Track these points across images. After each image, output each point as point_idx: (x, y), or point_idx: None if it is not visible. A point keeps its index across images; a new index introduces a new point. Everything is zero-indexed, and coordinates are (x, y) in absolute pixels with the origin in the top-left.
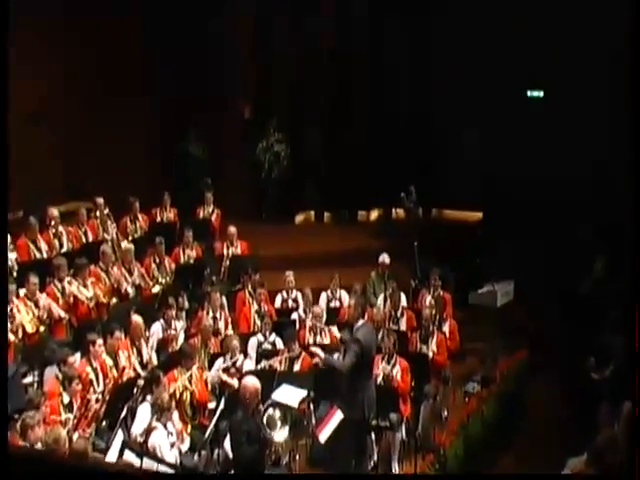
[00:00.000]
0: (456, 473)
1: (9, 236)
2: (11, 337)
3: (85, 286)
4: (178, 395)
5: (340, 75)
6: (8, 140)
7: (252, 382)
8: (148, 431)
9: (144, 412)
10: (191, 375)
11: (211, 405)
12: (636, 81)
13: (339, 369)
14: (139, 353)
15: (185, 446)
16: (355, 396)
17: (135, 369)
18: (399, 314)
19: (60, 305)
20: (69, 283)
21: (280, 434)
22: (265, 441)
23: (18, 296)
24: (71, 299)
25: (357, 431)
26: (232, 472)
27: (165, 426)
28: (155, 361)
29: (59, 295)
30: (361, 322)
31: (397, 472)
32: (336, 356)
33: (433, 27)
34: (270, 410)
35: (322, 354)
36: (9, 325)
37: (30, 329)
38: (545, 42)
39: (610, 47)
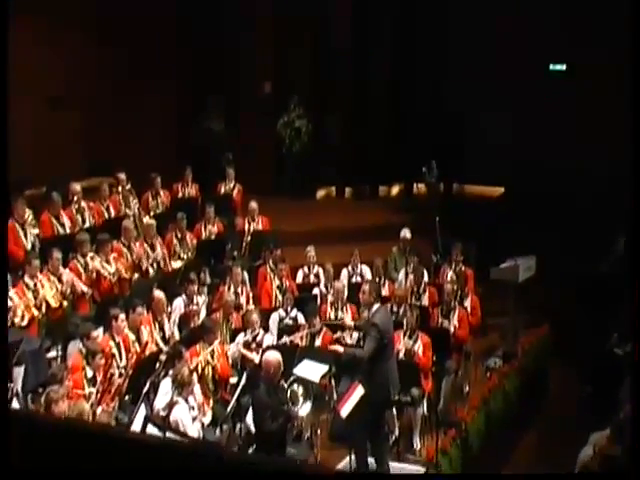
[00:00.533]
0: (477, 448)
1: (32, 212)
2: (35, 312)
3: (107, 261)
4: (200, 370)
5: (361, 51)
6: (30, 121)
7: (275, 356)
8: (170, 406)
9: (166, 387)
10: (213, 350)
11: (233, 380)
12: None
13: (360, 358)
14: (161, 328)
15: (207, 420)
16: (378, 375)
17: (157, 344)
18: (422, 290)
19: (83, 280)
20: (92, 259)
21: (303, 409)
22: (288, 416)
23: (42, 271)
24: (94, 274)
25: (379, 408)
26: (254, 447)
27: (187, 400)
28: (177, 336)
29: (82, 270)
30: (377, 306)
31: (418, 447)
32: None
33: (451, 3)
34: (294, 386)
35: (341, 349)
36: (33, 300)
37: (53, 304)
38: (567, 16)
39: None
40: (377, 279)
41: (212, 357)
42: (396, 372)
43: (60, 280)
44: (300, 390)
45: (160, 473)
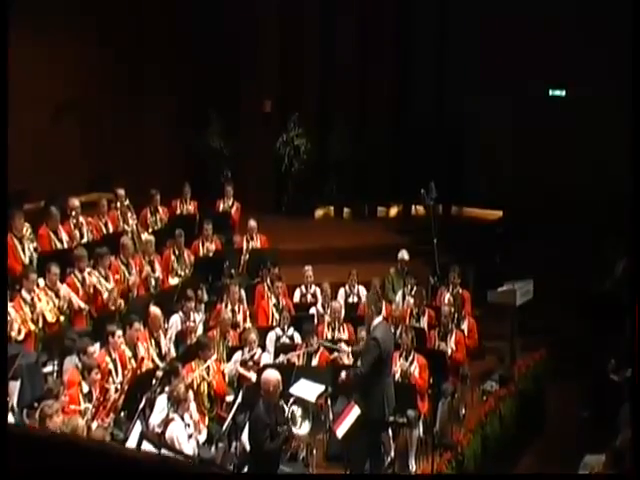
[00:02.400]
0: (473, 471)
1: (30, 226)
2: (32, 326)
3: (105, 277)
4: (196, 387)
5: (360, 71)
6: (30, 136)
7: (274, 375)
8: (166, 422)
9: (162, 403)
10: (209, 367)
11: (229, 398)
12: None
13: (359, 374)
14: (157, 344)
15: (202, 438)
16: (374, 394)
17: (153, 360)
18: (420, 311)
19: (80, 296)
20: (89, 274)
21: (302, 429)
22: (287, 436)
23: (39, 286)
24: (91, 290)
25: (375, 428)
26: (249, 466)
27: (182, 418)
28: (174, 353)
29: (79, 286)
30: (377, 320)
31: (414, 469)
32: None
33: (452, 26)
34: (294, 406)
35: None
36: (30, 315)
37: (50, 318)
38: (567, 40)
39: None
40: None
41: (208, 374)
42: (392, 391)
43: (57, 295)
44: (299, 411)
45: None
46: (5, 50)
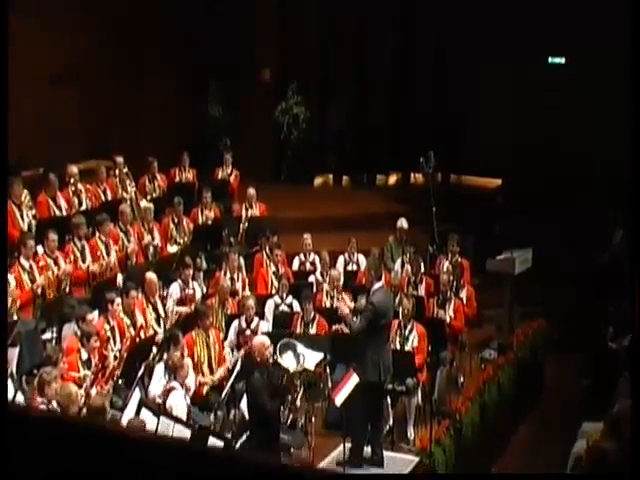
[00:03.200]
0: (471, 439)
1: (28, 193)
2: (30, 293)
3: (107, 244)
4: (196, 356)
5: (360, 40)
6: (29, 103)
7: (259, 340)
8: (167, 391)
9: (159, 372)
10: (208, 335)
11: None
12: None
13: (352, 331)
14: (155, 310)
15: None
16: (371, 360)
17: (152, 326)
18: (418, 279)
19: (78, 265)
20: (87, 240)
21: (300, 365)
22: (285, 391)
23: (37, 253)
24: (89, 258)
25: (373, 394)
26: (248, 433)
27: (182, 385)
28: (173, 321)
29: (78, 254)
30: (377, 285)
31: (412, 437)
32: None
33: None
34: (283, 354)
35: (346, 309)
36: (28, 282)
37: (48, 287)
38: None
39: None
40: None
41: (207, 342)
42: (390, 359)
43: (56, 262)
44: (289, 355)
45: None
46: (5, 19)
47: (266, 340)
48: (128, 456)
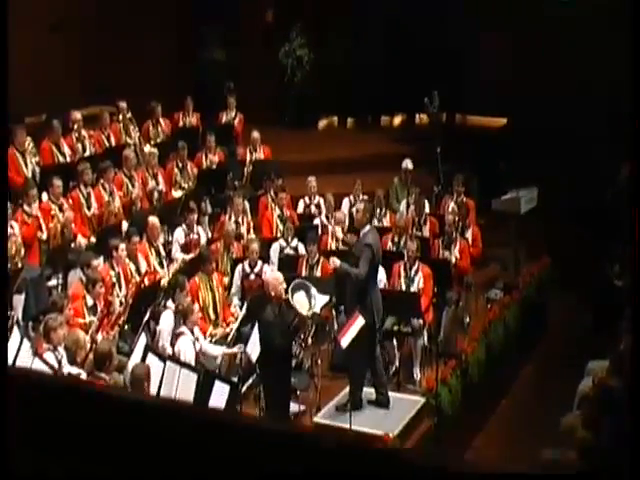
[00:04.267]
0: (477, 380)
1: (32, 140)
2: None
3: (110, 191)
4: (200, 300)
5: None
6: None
7: (272, 275)
8: (176, 336)
9: (168, 319)
10: (211, 279)
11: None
12: None
13: (355, 276)
14: (158, 254)
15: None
16: (365, 300)
17: (155, 269)
18: (422, 220)
19: (84, 211)
20: (93, 187)
21: (303, 304)
22: (297, 324)
23: (41, 200)
24: (94, 205)
25: (368, 335)
26: (256, 374)
27: (192, 332)
28: (176, 265)
29: (83, 201)
30: (368, 227)
31: (419, 378)
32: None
33: None
34: (296, 293)
35: (338, 262)
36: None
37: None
38: None
39: None
40: (377, 209)
41: (211, 287)
42: (380, 298)
43: (61, 209)
44: (302, 295)
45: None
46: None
47: (280, 276)
48: (126, 420)
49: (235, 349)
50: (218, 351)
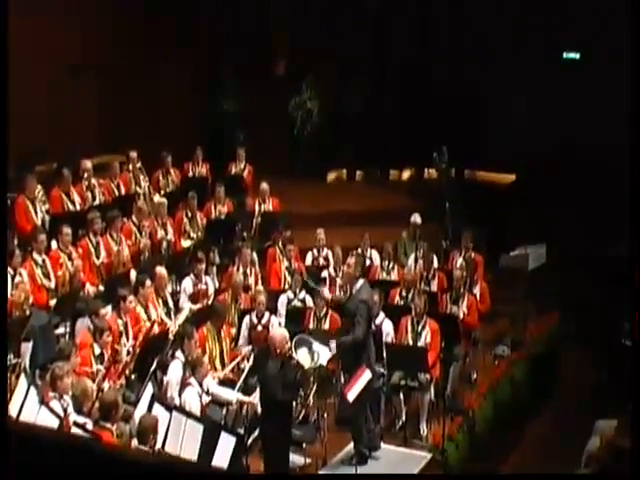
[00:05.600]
0: (484, 436)
1: (42, 188)
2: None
3: (118, 240)
4: (207, 350)
5: (376, 33)
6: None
7: (279, 332)
8: (183, 386)
9: (176, 369)
10: (218, 331)
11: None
12: None
13: (357, 339)
14: (165, 304)
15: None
16: (360, 355)
17: (162, 320)
18: (430, 275)
19: (92, 260)
20: (101, 235)
21: (311, 363)
22: (299, 380)
23: (50, 248)
24: (103, 254)
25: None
26: (260, 428)
27: (201, 385)
28: (184, 316)
29: (92, 250)
30: (361, 282)
31: (425, 433)
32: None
33: None
34: (299, 350)
35: (334, 344)
36: (42, 278)
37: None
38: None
39: None
40: (386, 262)
41: (218, 338)
42: (374, 351)
43: (70, 257)
44: (304, 351)
45: None
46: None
47: (286, 333)
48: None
49: (250, 398)
50: (232, 396)
